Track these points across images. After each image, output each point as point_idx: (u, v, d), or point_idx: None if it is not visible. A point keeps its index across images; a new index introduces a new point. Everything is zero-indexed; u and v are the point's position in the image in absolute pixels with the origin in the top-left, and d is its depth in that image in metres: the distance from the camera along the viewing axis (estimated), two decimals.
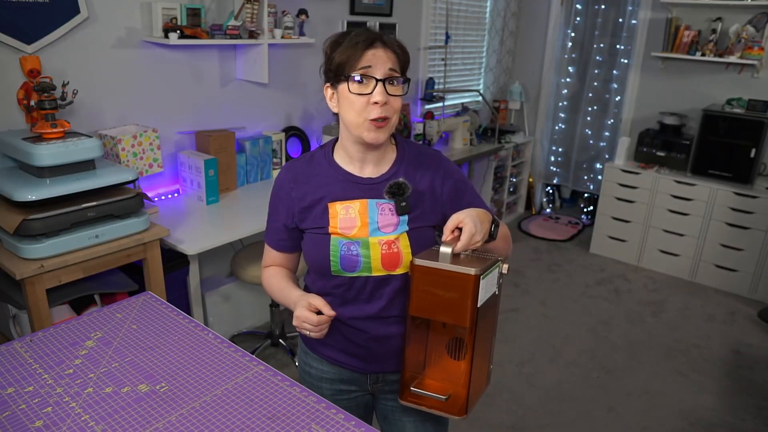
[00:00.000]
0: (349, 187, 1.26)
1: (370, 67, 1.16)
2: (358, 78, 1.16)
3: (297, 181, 1.29)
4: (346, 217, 1.25)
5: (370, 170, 1.28)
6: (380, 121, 1.18)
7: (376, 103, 1.16)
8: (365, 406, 1.45)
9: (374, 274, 1.26)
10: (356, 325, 1.31)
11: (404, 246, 1.25)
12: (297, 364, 1.53)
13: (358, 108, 1.17)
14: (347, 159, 1.28)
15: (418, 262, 1.13)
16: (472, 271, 1.08)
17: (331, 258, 1.25)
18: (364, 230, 1.25)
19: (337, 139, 1.32)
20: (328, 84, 1.24)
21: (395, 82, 1.19)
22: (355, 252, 1.25)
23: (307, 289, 1.38)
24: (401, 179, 1.24)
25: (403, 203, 1.23)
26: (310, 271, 1.36)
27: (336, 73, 1.20)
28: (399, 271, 1.26)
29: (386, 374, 1.38)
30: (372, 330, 1.31)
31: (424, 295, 1.14)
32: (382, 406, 1.44)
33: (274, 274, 1.39)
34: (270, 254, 1.40)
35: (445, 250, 1.13)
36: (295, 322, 1.24)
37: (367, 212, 1.25)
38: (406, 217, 1.26)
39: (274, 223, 1.34)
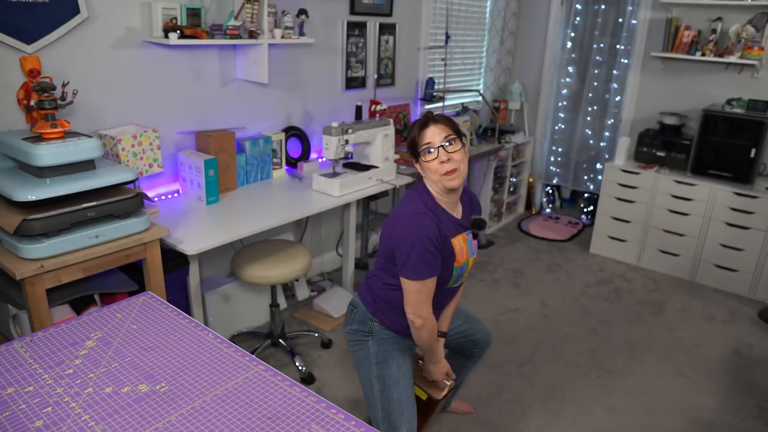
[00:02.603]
0: (455, 226, 1.80)
1: (429, 142, 1.72)
2: (426, 150, 1.73)
3: (438, 227, 1.72)
4: (460, 247, 1.79)
5: (457, 212, 1.84)
6: (452, 172, 1.71)
7: (442, 162, 1.70)
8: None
9: (461, 282, 1.90)
10: (444, 300, 1.91)
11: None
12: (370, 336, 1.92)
13: (433, 169, 1.73)
14: (445, 203, 1.79)
15: (440, 397, 1.97)
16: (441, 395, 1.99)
17: (452, 276, 1.80)
18: (467, 255, 1.83)
19: (426, 191, 1.79)
20: (416, 162, 1.80)
21: (452, 142, 1.72)
22: (462, 270, 1.84)
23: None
24: (480, 217, 1.87)
25: (482, 228, 1.86)
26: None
27: (413, 152, 1.78)
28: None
29: None
30: (450, 296, 1.94)
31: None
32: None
33: (434, 328, 1.83)
34: (434, 282, 1.74)
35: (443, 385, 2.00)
36: (437, 377, 1.96)
37: (467, 242, 1.83)
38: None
39: (434, 258, 1.71)
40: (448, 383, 1.98)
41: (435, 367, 1.95)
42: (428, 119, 1.75)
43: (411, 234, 1.68)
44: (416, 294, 1.72)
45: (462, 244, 1.80)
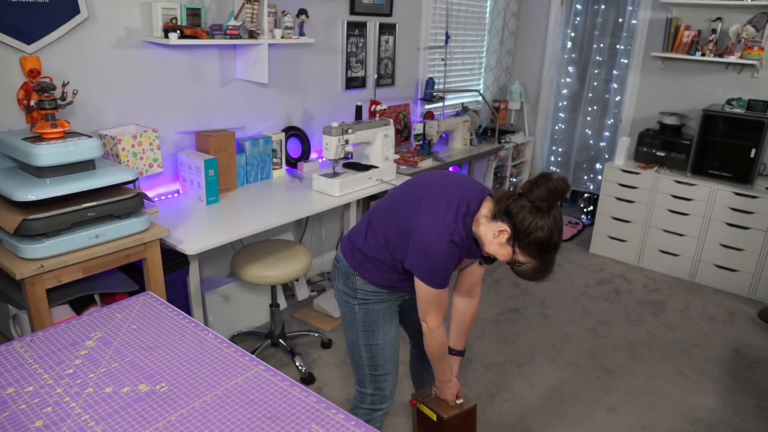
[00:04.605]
0: (473, 253, 1.69)
1: (541, 260, 1.62)
2: (532, 258, 1.58)
3: (462, 251, 1.63)
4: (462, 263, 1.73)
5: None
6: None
7: (516, 264, 1.60)
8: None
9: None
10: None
11: (480, 277, 1.91)
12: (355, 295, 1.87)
13: (506, 258, 1.59)
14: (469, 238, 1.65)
15: (449, 417, 1.93)
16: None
17: None
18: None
19: (470, 216, 1.62)
20: (505, 227, 1.54)
21: None
22: None
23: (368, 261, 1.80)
24: (492, 256, 1.69)
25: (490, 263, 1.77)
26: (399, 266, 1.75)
27: (531, 246, 1.54)
28: None
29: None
30: None
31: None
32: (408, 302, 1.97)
33: (443, 344, 1.78)
34: (446, 294, 1.68)
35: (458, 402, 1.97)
36: (447, 395, 1.93)
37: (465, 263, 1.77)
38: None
39: (449, 273, 1.63)
40: (459, 401, 1.96)
41: (444, 385, 1.91)
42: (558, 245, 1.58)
43: (439, 246, 1.57)
44: (428, 302, 1.68)
45: (466, 261, 1.77)
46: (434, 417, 1.95)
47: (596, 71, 4.59)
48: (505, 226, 1.53)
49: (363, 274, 1.81)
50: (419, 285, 1.65)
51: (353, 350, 1.90)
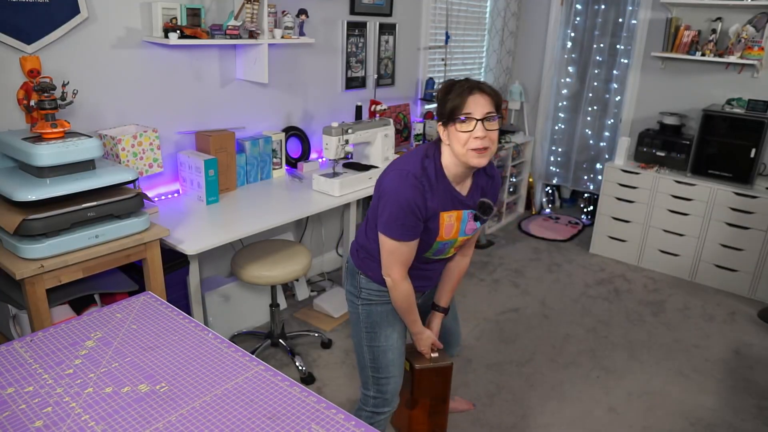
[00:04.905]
0: (453, 202, 1.68)
1: (470, 112, 1.54)
2: (463, 119, 1.55)
3: (425, 197, 1.62)
4: (449, 223, 1.69)
5: (462, 189, 1.71)
6: (482, 150, 1.57)
7: (477, 137, 1.54)
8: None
9: (449, 255, 1.83)
10: (430, 267, 1.85)
11: (474, 238, 1.86)
12: (360, 295, 1.89)
13: (463, 141, 1.56)
14: (452, 175, 1.66)
15: (420, 367, 2.02)
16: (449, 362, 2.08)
17: (431, 248, 1.73)
18: (456, 234, 1.73)
19: (436, 154, 1.66)
20: (440, 123, 1.62)
21: (492, 119, 1.57)
22: (446, 247, 1.75)
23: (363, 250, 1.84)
24: (486, 200, 1.75)
25: (488, 214, 1.76)
26: None
27: (447, 117, 1.58)
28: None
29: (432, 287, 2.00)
30: (438, 266, 1.88)
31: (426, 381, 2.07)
32: (425, 306, 2.03)
33: (410, 294, 1.77)
34: (412, 246, 1.68)
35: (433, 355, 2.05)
36: (422, 348, 1.98)
37: (461, 219, 1.71)
38: (479, 221, 1.78)
39: (413, 222, 1.63)
40: (434, 355, 2.02)
41: (416, 337, 1.95)
42: (477, 85, 1.57)
43: (394, 191, 1.60)
44: (388, 253, 1.68)
45: (453, 221, 1.70)
46: (407, 366, 2.02)
47: (596, 71, 4.59)
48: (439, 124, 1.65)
49: (366, 272, 1.83)
50: (380, 237, 1.67)
51: (358, 351, 1.92)
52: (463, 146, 1.57)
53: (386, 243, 1.66)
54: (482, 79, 4.76)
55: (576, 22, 4.62)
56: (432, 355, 2.03)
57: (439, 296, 1.99)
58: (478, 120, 1.54)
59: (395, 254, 1.67)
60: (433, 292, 2.03)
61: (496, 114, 1.58)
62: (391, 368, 1.87)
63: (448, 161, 1.64)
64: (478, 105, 1.55)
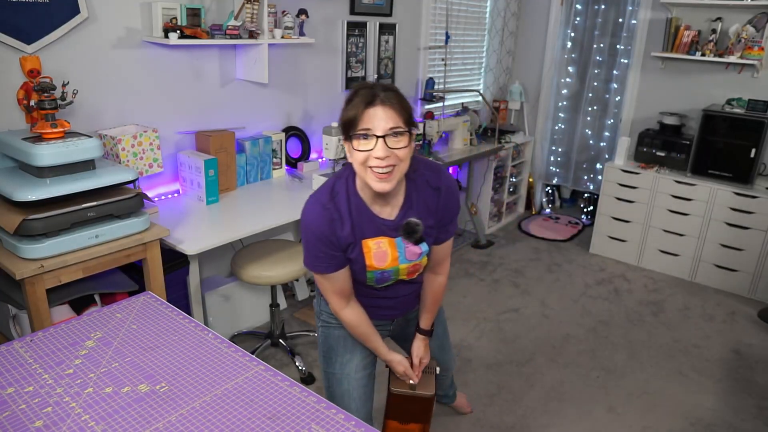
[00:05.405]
0: (376, 227, 1.46)
1: (369, 128, 1.31)
2: (360, 135, 1.32)
3: (333, 226, 1.43)
4: (378, 251, 1.48)
5: (387, 212, 1.47)
6: (383, 173, 1.33)
7: (377, 157, 1.30)
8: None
9: (411, 278, 1.61)
10: (385, 294, 1.64)
11: (425, 261, 1.57)
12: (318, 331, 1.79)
13: (361, 160, 1.33)
14: (369, 197, 1.45)
15: (395, 391, 1.82)
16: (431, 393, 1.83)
17: (367, 278, 1.54)
18: (395, 262, 1.51)
19: (350, 175, 1.46)
20: (343, 137, 1.40)
21: (398, 135, 1.32)
22: (387, 275, 1.54)
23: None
24: (412, 219, 1.46)
25: (417, 236, 1.48)
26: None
27: (345, 130, 1.37)
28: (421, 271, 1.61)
29: (408, 313, 1.80)
30: (400, 291, 1.65)
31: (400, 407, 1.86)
32: (406, 333, 1.87)
33: (359, 323, 1.61)
34: (337, 277, 1.51)
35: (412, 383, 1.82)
36: (398, 373, 1.77)
37: (396, 247, 1.49)
38: (424, 243, 1.52)
39: (327, 254, 1.45)
40: (411, 382, 1.83)
41: (388, 363, 1.77)
42: (376, 96, 1.32)
43: (304, 222, 1.44)
44: (319, 284, 1.55)
45: (385, 248, 1.48)
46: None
47: (596, 71, 4.59)
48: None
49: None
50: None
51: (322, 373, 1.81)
52: (362, 166, 1.34)
53: (314, 274, 1.53)
54: (481, 80, 4.81)
55: (576, 22, 4.62)
56: (413, 381, 1.82)
57: (419, 318, 1.80)
58: (379, 137, 1.30)
59: (324, 285, 1.54)
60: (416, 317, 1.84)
61: (404, 128, 1.33)
62: (346, 400, 1.70)
63: (361, 182, 1.42)
64: (378, 119, 1.30)
